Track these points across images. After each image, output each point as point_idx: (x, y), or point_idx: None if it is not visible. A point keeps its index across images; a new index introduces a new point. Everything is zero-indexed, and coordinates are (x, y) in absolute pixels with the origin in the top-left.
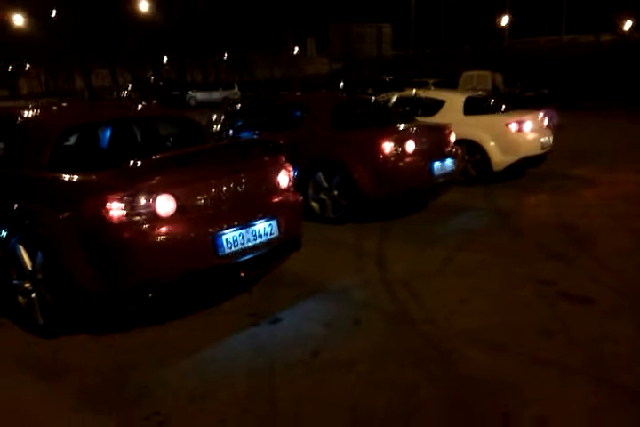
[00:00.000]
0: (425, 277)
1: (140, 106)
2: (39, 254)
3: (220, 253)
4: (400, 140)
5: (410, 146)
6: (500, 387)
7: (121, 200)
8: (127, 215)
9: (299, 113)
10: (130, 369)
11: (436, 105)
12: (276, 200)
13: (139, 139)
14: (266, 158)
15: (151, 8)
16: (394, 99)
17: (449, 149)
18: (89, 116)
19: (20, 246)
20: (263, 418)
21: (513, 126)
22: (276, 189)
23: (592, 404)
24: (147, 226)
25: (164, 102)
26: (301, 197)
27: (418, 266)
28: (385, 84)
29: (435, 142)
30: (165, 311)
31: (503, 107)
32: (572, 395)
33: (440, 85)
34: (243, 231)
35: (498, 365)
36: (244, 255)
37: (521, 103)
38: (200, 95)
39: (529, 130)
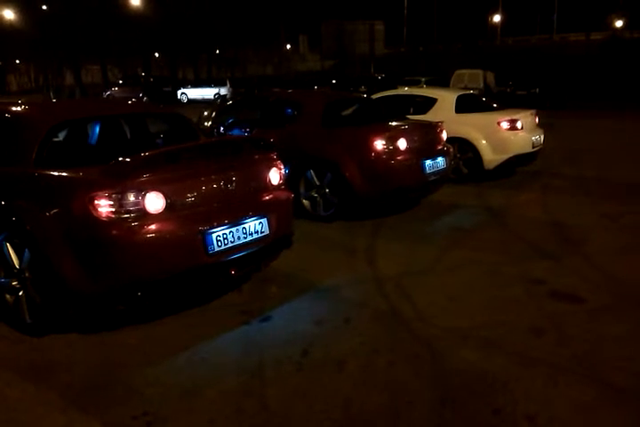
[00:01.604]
0: (416, 274)
1: (129, 102)
2: (27, 252)
3: (210, 252)
4: (391, 138)
5: (401, 144)
6: (490, 385)
7: (109, 197)
8: (116, 213)
9: (290, 110)
10: (118, 368)
11: (428, 103)
12: (267, 198)
13: (128, 135)
14: (257, 156)
15: (143, 3)
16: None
17: (440, 146)
18: (78, 112)
19: (7, 244)
20: (253, 417)
21: (505, 125)
22: (266, 186)
23: (582, 402)
24: (135, 224)
25: (155, 99)
26: (292, 195)
27: (409, 264)
28: (377, 82)
29: (426, 140)
30: (155, 309)
31: (495, 105)
32: (562, 393)
33: (432, 83)
34: (233, 229)
35: (488, 363)
36: (235, 253)
37: (512, 102)
38: (192, 92)
39: (520, 128)
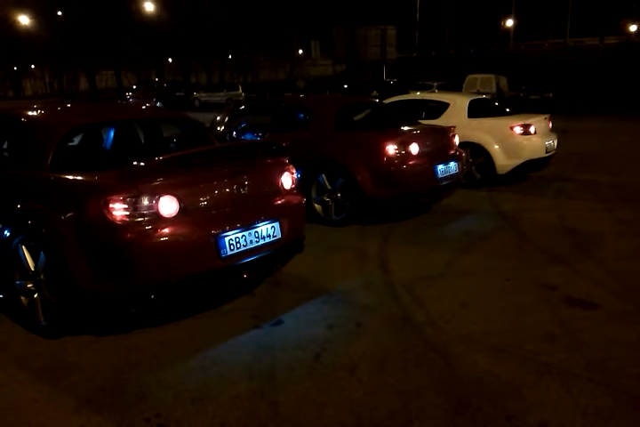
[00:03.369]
0: (428, 280)
1: (143, 107)
2: (42, 255)
3: (223, 255)
4: (403, 143)
5: (413, 148)
6: (503, 392)
7: (124, 201)
8: (130, 216)
9: (302, 115)
10: (131, 370)
11: (440, 108)
12: (279, 202)
13: (142, 140)
14: (269, 160)
15: (156, 9)
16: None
17: (453, 151)
18: (92, 116)
19: (23, 247)
20: (264, 421)
21: (517, 129)
22: (279, 190)
23: (596, 409)
24: (149, 227)
25: (168, 104)
26: (304, 199)
27: (421, 269)
28: (389, 87)
29: (438, 145)
30: (167, 312)
31: (507, 110)
32: (576, 400)
33: (444, 88)
34: (245, 233)
35: (501, 369)
36: (247, 257)
37: (525, 106)
38: (204, 97)
39: (533, 133)
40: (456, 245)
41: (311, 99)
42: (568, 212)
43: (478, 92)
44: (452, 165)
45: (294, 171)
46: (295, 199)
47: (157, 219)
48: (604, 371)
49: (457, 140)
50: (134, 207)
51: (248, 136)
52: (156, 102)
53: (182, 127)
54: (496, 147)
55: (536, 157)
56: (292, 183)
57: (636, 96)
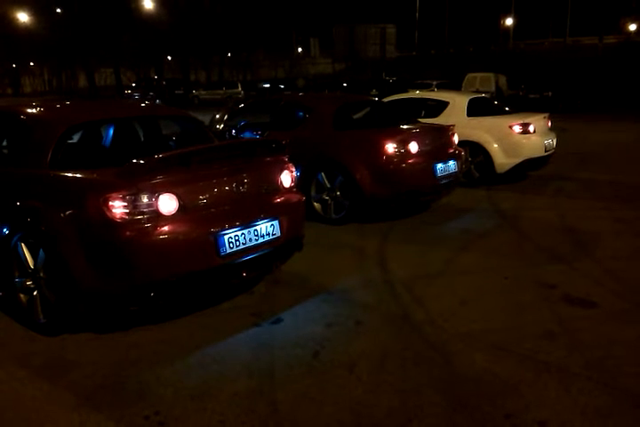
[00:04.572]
0: (427, 278)
1: (142, 105)
2: (41, 252)
3: (222, 253)
4: (403, 141)
5: (412, 147)
6: (501, 390)
7: (123, 199)
8: (129, 214)
9: (302, 113)
10: (130, 368)
11: (440, 106)
12: (279, 200)
13: (141, 138)
14: (268, 158)
15: (155, 7)
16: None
17: (452, 150)
18: (92, 114)
19: (22, 244)
20: (263, 419)
21: (516, 128)
22: (278, 189)
23: (594, 408)
24: (149, 225)
25: (167, 101)
26: (304, 198)
27: (420, 267)
28: (388, 85)
29: (438, 144)
30: (166, 310)
31: (507, 108)
32: (574, 399)
33: (443, 87)
34: (244, 231)
35: (500, 367)
36: (246, 255)
37: (525, 105)
38: (203, 94)
39: (532, 132)
40: (455, 243)
41: (310, 97)
42: (567, 210)
43: (477, 91)
44: (452, 163)
45: (293, 169)
46: (294, 197)
47: (157, 217)
48: (602, 370)
49: (456, 139)
50: (134, 205)
51: (247, 134)
52: (156, 100)
53: (181, 125)
54: (495, 146)
55: (535, 155)
56: (292, 181)
57: (636, 95)
